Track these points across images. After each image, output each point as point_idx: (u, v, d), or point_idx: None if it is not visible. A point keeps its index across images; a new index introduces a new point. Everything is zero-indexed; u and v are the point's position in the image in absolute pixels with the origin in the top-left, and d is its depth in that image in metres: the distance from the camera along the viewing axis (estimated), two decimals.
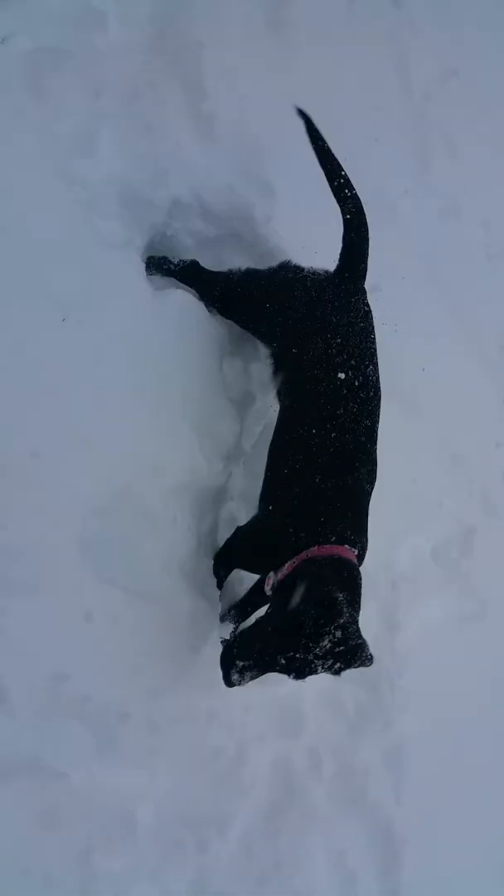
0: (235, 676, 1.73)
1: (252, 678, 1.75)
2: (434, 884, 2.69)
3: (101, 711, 2.18)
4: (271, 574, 1.95)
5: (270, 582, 1.95)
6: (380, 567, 2.85)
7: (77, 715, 2.15)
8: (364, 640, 1.74)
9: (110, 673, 2.20)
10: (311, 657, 1.68)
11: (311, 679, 1.80)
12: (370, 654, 1.74)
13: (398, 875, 2.61)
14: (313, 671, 1.72)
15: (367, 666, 1.76)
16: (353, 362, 2.03)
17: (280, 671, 1.73)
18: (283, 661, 1.70)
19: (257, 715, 2.49)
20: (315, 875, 2.50)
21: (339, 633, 1.67)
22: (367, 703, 2.82)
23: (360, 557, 1.97)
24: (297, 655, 1.68)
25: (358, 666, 1.74)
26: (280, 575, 1.89)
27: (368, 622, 2.83)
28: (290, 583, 1.80)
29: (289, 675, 1.74)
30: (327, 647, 1.67)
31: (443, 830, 2.76)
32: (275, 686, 2.26)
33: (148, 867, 2.24)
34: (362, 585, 1.88)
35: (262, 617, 1.86)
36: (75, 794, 2.14)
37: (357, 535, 1.95)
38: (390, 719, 2.80)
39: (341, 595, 1.73)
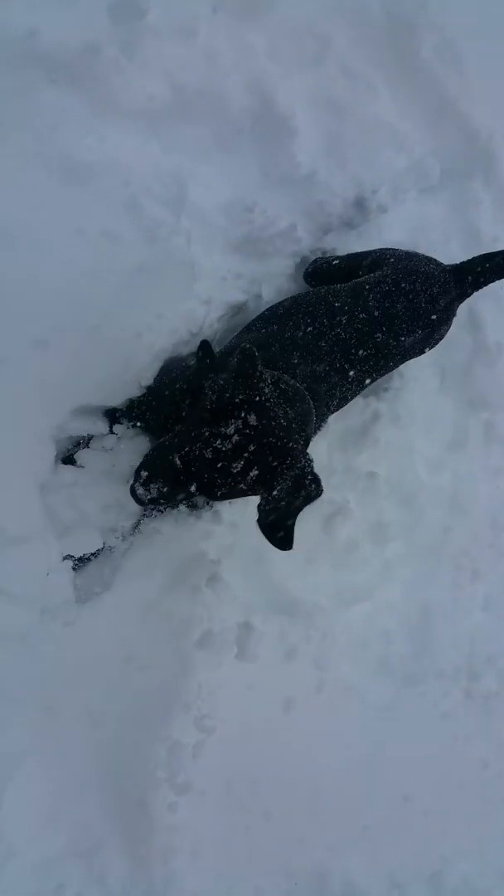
0: (140, 490, 1.31)
1: (160, 493, 1.30)
2: None
3: None
4: None
5: None
6: None
7: None
8: (307, 459, 1.27)
9: None
10: (214, 455, 1.22)
11: None
12: (312, 484, 1.26)
13: None
14: (224, 485, 1.26)
15: (311, 499, 1.28)
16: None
17: (185, 490, 1.29)
18: (179, 464, 1.26)
19: None
20: None
21: (254, 420, 1.20)
22: None
23: None
24: (197, 450, 1.23)
25: (292, 493, 1.26)
26: None
27: None
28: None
29: (199, 493, 1.30)
30: (235, 440, 1.21)
31: None
32: None
33: None
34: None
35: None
36: None
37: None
38: None
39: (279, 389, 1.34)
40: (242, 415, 1.21)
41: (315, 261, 2.22)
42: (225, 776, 1.96)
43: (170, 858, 1.88)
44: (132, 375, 1.82)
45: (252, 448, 1.23)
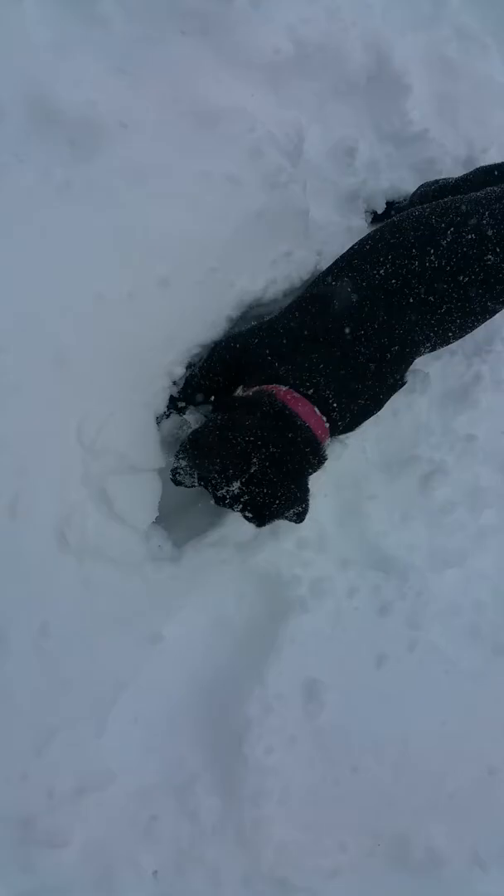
0: (179, 475, 1.63)
1: (192, 485, 1.65)
2: None
3: None
4: (240, 389, 1.73)
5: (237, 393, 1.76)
6: None
7: None
8: (296, 506, 1.64)
9: None
10: (219, 498, 1.60)
11: None
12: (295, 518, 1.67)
13: None
14: (227, 507, 1.63)
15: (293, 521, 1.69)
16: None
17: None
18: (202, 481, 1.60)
19: None
20: None
21: (242, 486, 1.53)
22: None
23: (333, 431, 1.70)
24: (210, 484, 1.57)
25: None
26: (243, 393, 1.69)
27: None
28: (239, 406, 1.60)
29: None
30: (235, 492, 1.55)
31: None
32: None
33: None
34: (307, 466, 1.63)
35: (211, 418, 1.61)
36: None
37: (343, 414, 1.67)
38: None
39: (262, 450, 1.52)
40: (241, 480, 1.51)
41: (426, 184, 2.02)
42: (316, 725, 1.96)
43: (260, 802, 1.89)
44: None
45: (246, 499, 1.55)
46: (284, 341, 1.62)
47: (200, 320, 1.80)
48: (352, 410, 1.68)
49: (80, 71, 1.71)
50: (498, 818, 2.24)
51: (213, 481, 1.53)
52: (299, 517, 1.66)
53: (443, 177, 2.15)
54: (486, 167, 1.89)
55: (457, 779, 2.18)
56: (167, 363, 1.76)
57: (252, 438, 1.48)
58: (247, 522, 2.06)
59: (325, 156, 2.05)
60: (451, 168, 2.23)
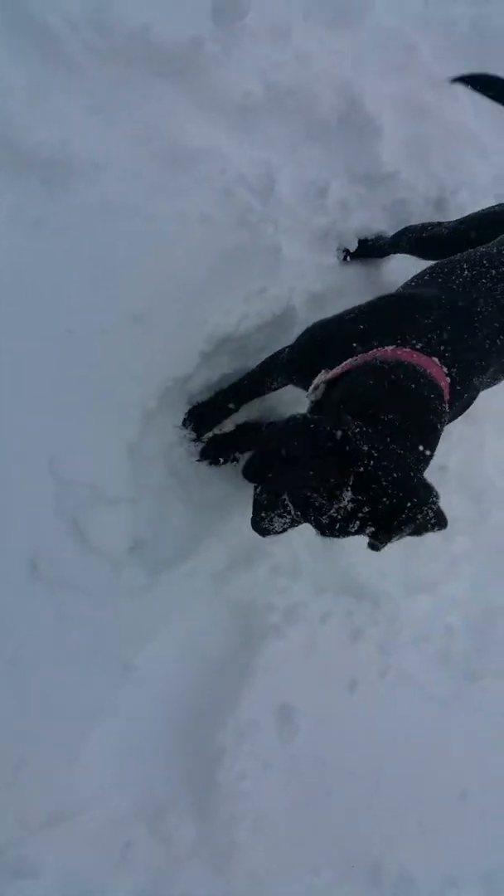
0: (264, 524, 1.37)
1: (284, 527, 1.37)
2: None
3: None
4: (322, 372, 1.35)
5: (316, 381, 1.35)
6: None
7: None
8: (431, 502, 1.15)
9: None
10: (330, 521, 1.18)
11: None
12: (436, 526, 1.19)
13: None
14: (342, 537, 1.22)
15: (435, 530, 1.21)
16: None
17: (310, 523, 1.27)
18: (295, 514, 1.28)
19: None
20: None
21: (362, 489, 1.10)
22: None
23: (452, 395, 1.38)
24: (311, 514, 1.22)
25: (409, 533, 1.19)
26: (330, 374, 1.33)
27: None
28: (331, 387, 1.30)
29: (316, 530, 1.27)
30: (350, 507, 1.13)
31: None
32: None
33: None
34: (437, 419, 1.27)
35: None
36: None
37: (458, 362, 1.37)
38: None
39: (379, 426, 1.16)
40: (349, 488, 1.12)
41: (412, 228, 1.96)
42: (290, 750, 1.99)
43: (234, 827, 1.92)
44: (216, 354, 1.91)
45: (367, 510, 1.14)
46: (382, 316, 1.41)
47: (173, 355, 1.84)
48: (468, 367, 1.42)
49: (52, 110, 1.77)
50: (470, 840, 2.27)
51: (313, 503, 1.17)
52: (439, 519, 1.21)
53: (416, 220, 2.21)
54: (483, 214, 1.82)
55: (429, 803, 2.21)
56: (139, 396, 1.80)
57: (356, 408, 1.18)
58: (224, 550, 2.12)
59: (297, 196, 2.11)
60: (423, 208, 2.30)
